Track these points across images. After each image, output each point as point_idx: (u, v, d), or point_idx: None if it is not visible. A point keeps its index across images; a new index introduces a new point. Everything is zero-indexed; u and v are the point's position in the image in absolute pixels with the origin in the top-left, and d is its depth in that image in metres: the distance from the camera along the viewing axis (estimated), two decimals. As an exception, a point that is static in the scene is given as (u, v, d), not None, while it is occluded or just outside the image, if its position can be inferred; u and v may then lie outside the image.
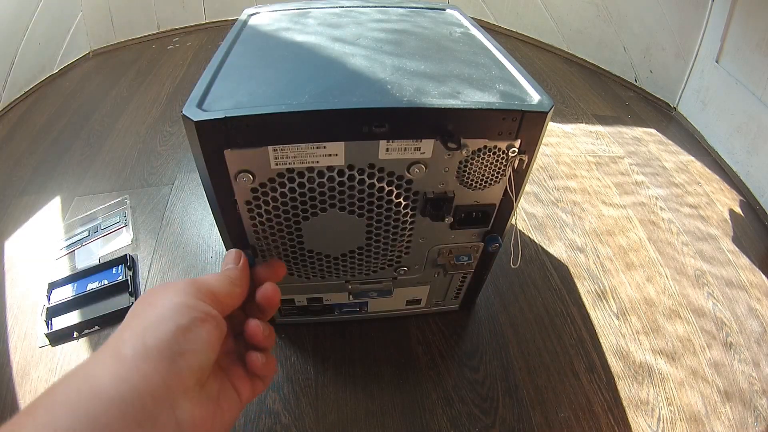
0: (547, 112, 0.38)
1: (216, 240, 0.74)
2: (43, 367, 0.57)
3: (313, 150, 0.37)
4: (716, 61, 1.02)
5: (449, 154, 0.39)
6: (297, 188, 0.39)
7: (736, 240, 0.80)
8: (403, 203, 0.42)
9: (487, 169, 0.41)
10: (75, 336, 0.60)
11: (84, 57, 1.38)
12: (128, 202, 0.82)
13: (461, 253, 0.50)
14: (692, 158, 1.01)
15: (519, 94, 0.39)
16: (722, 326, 0.65)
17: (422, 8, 0.58)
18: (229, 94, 0.37)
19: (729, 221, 0.84)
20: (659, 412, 0.54)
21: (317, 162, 0.38)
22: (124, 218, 0.78)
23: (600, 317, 0.65)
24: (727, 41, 0.99)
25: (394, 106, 0.36)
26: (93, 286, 0.65)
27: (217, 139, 0.35)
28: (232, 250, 0.33)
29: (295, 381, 0.56)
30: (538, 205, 0.85)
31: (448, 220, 0.45)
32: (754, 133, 0.91)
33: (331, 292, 0.55)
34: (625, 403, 0.55)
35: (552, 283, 0.70)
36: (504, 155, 0.40)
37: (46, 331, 0.60)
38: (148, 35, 1.49)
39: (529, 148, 0.40)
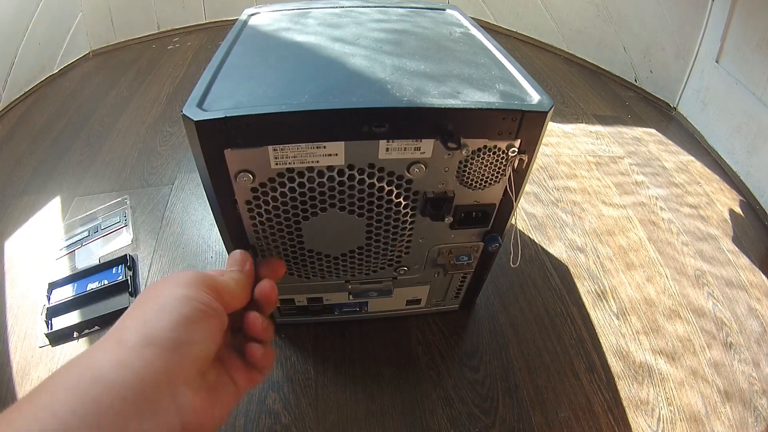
0: (547, 112, 0.38)
1: (216, 240, 0.74)
2: (43, 367, 0.57)
3: (313, 150, 0.37)
4: (716, 61, 1.02)
5: (449, 154, 0.39)
6: (297, 188, 0.39)
7: (736, 240, 0.80)
8: (403, 203, 0.42)
9: (487, 169, 0.41)
10: (75, 336, 0.60)
11: (84, 57, 1.38)
12: (128, 202, 0.82)
13: (461, 253, 0.50)
14: (692, 158, 1.01)
15: (519, 94, 0.39)
16: (722, 326, 0.65)
17: (422, 8, 0.58)
18: (229, 94, 0.37)
19: (729, 221, 0.84)
20: (659, 412, 0.54)
21: (317, 162, 0.38)
22: (124, 218, 0.78)
23: (600, 317, 0.65)
24: (727, 41, 0.99)
25: (394, 105, 0.36)
26: (93, 286, 0.65)
27: (217, 139, 0.35)
28: (239, 252, 0.33)
29: (295, 381, 0.56)
30: (538, 205, 0.85)
31: (448, 220, 0.45)
32: (754, 133, 0.91)
33: (331, 292, 0.55)
34: (625, 403, 0.55)
35: (552, 283, 0.70)
36: (504, 155, 0.40)
37: (46, 331, 0.60)
38: (148, 35, 1.49)
39: (529, 148, 0.40)
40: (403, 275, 0.53)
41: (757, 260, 0.76)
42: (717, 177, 0.96)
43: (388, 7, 0.58)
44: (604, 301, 0.67)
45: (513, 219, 0.47)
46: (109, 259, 0.70)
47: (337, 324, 0.62)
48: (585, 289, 0.69)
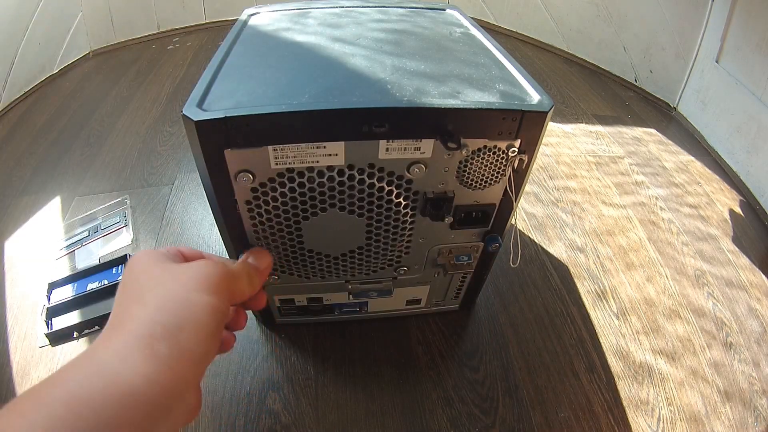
0: (547, 112, 0.38)
1: (216, 240, 0.74)
2: (43, 367, 0.57)
3: (313, 150, 0.37)
4: (716, 61, 1.02)
5: (449, 154, 0.39)
6: (297, 188, 0.39)
7: (736, 240, 0.80)
8: (403, 203, 0.42)
9: (487, 169, 0.41)
10: (75, 336, 0.60)
11: (84, 57, 1.38)
12: (128, 202, 0.82)
13: (461, 253, 0.50)
14: (692, 158, 1.01)
15: (519, 94, 0.39)
16: (722, 326, 0.65)
17: (422, 8, 0.58)
18: (229, 94, 0.37)
19: (729, 221, 0.84)
20: (659, 412, 0.54)
21: (317, 162, 0.38)
22: (124, 218, 0.78)
23: (600, 317, 0.65)
24: (727, 41, 0.99)
25: (394, 105, 0.36)
26: (93, 286, 0.65)
27: (217, 139, 0.35)
28: (259, 249, 0.36)
29: (295, 381, 0.56)
30: (538, 205, 0.85)
31: (448, 220, 0.45)
32: (754, 133, 0.91)
33: (331, 292, 0.55)
34: (625, 403, 0.55)
35: (552, 283, 0.70)
36: (504, 155, 0.40)
37: (46, 331, 0.60)
38: (148, 35, 1.49)
39: (529, 148, 0.40)
40: (403, 275, 0.53)
41: (757, 260, 0.76)
42: (717, 177, 0.96)
43: (388, 7, 0.58)
44: (604, 301, 0.67)
45: (513, 219, 0.47)
46: (109, 259, 0.70)
47: (337, 324, 0.62)
48: (585, 289, 0.69)
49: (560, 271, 0.72)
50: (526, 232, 0.79)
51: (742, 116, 0.95)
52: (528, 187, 0.85)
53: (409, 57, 0.44)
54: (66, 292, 0.65)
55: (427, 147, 0.38)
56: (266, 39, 0.49)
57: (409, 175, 0.40)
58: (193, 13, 1.54)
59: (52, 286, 0.66)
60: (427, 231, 0.47)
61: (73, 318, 0.62)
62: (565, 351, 0.60)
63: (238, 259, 0.38)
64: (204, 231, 0.76)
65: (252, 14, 0.55)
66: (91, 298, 0.64)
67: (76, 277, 0.67)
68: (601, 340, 0.62)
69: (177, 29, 1.54)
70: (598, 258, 0.74)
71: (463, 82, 0.40)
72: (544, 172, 0.94)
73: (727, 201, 0.89)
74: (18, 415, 0.17)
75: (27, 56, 1.16)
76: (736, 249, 0.78)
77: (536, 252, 0.75)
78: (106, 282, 0.66)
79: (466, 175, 0.41)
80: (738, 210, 0.87)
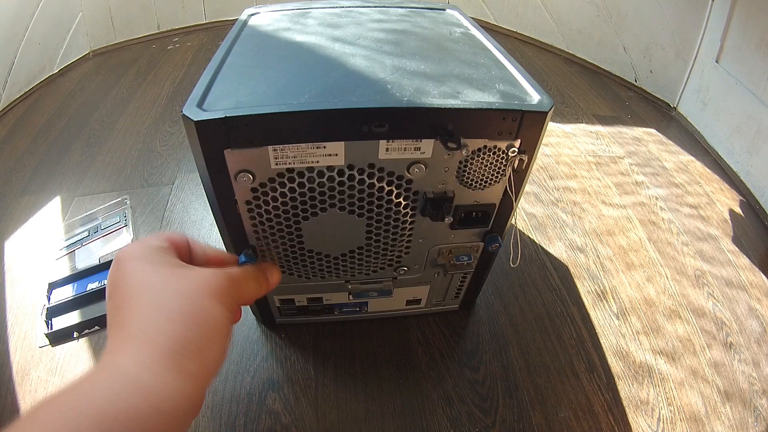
0: (547, 112, 0.38)
1: (216, 240, 0.74)
2: (43, 367, 0.57)
3: (313, 150, 0.37)
4: (716, 61, 1.02)
5: (449, 154, 0.39)
6: (297, 188, 0.39)
7: (736, 240, 0.80)
8: (403, 203, 0.42)
9: (487, 169, 0.41)
10: (75, 336, 0.60)
11: (84, 57, 1.38)
12: (128, 202, 0.82)
13: (461, 253, 0.50)
14: (692, 158, 1.01)
15: (519, 94, 0.39)
16: (722, 326, 0.65)
17: (422, 8, 0.58)
18: (229, 94, 0.37)
19: (729, 221, 0.84)
20: (659, 412, 0.54)
21: (317, 162, 0.38)
22: (124, 218, 0.78)
23: (600, 317, 0.65)
24: (727, 41, 0.99)
25: (394, 105, 0.36)
26: (93, 286, 0.65)
27: (217, 139, 0.35)
28: (276, 268, 0.35)
29: (295, 381, 0.56)
30: (538, 205, 0.85)
31: (448, 220, 0.45)
32: (754, 133, 0.91)
33: (331, 292, 0.55)
34: (625, 403, 0.55)
35: (552, 283, 0.70)
36: (504, 155, 0.40)
37: (46, 331, 0.60)
38: (148, 35, 1.49)
39: (529, 148, 0.40)
40: (403, 275, 0.53)
41: (757, 260, 0.76)
42: (717, 177, 0.96)
43: (388, 7, 0.58)
44: (604, 301, 0.68)
45: (513, 219, 0.47)
46: (109, 259, 0.70)
47: (337, 324, 0.62)
48: (585, 289, 0.69)
49: (560, 271, 0.72)
50: (526, 232, 0.79)
51: (742, 116, 0.95)
52: (528, 187, 0.85)
53: (409, 57, 0.44)
54: (66, 292, 0.65)
55: (427, 147, 0.38)
56: (266, 39, 0.49)
57: (409, 175, 0.40)
58: (193, 13, 1.54)
59: (52, 286, 0.66)
60: (427, 231, 0.47)
61: (73, 318, 0.62)
62: (565, 351, 0.60)
63: (239, 261, 0.38)
64: (204, 231, 0.76)
65: (252, 14, 0.55)
66: (91, 298, 0.64)
67: (76, 277, 0.67)
68: (601, 340, 0.62)
69: (177, 29, 1.54)
70: (598, 258, 0.74)
71: (463, 82, 0.40)
72: (544, 172, 0.94)
73: (727, 201, 0.89)
74: (41, 428, 0.17)
75: (27, 56, 1.16)
76: (736, 249, 0.78)
77: (536, 252, 0.75)
78: (106, 282, 0.66)
79: (466, 175, 0.41)
80: (738, 210, 0.87)
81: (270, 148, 0.36)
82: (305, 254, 0.46)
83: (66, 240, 0.75)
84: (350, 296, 0.56)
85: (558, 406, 0.54)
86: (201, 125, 0.34)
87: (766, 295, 0.70)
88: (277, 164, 0.37)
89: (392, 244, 0.47)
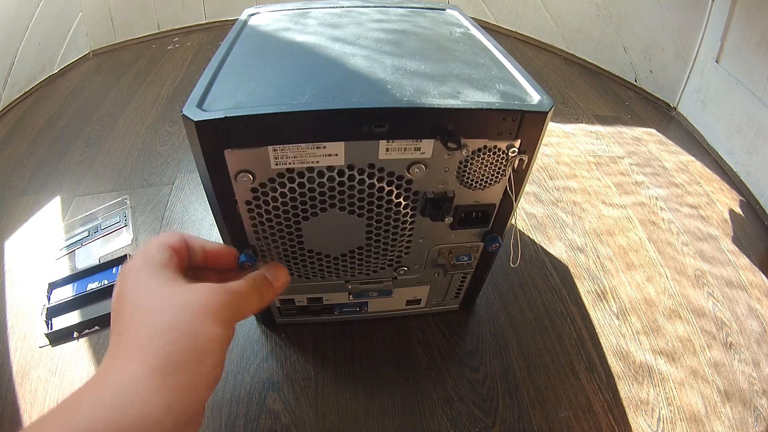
0: (547, 112, 0.38)
1: (216, 240, 0.74)
2: (43, 367, 0.57)
3: (313, 150, 0.37)
4: (716, 61, 1.02)
5: (449, 154, 0.39)
6: (297, 188, 0.39)
7: (736, 240, 0.80)
8: (403, 203, 0.42)
9: (487, 169, 0.41)
10: (75, 336, 0.60)
11: (84, 57, 1.38)
12: (128, 202, 0.82)
13: (461, 253, 0.50)
14: (692, 158, 1.01)
15: (519, 94, 0.39)
16: (722, 326, 0.65)
17: (422, 8, 0.58)
18: (229, 94, 0.37)
19: (729, 221, 0.84)
20: (659, 412, 0.54)
21: (317, 162, 0.38)
22: (124, 218, 0.78)
23: (600, 317, 0.65)
24: (727, 41, 0.99)
25: (394, 106, 0.36)
26: (93, 286, 0.65)
27: (217, 139, 0.35)
28: (284, 270, 0.34)
29: (295, 381, 0.56)
30: (538, 205, 0.85)
31: (448, 220, 0.45)
32: (754, 133, 0.91)
33: (331, 292, 0.55)
34: (625, 403, 0.55)
35: (552, 283, 0.70)
36: (504, 155, 0.40)
37: (46, 331, 0.60)
38: (148, 35, 1.49)
39: (529, 148, 0.40)
40: (403, 275, 0.53)
41: (757, 260, 0.76)
42: (717, 177, 0.96)
43: (388, 7, 0.58)
44: (604, 301, 0.68)
45: (513, 219, 0.47)
46: (109, 259, 0.70)
47: (337, 324, 0.62)
48: (585, 289, 0.69)
49: (560, 271, 0.72)
50: (526, 232, 0.79)
51: (742, 116, 0.95)
52: (528, 187, 0.85)
53: (409, 57, 0.44)
54: (66, 292, 0.65)
55: (427, 147, 0.38)
56: (266, 39, 0.49)
57: (409, 175, 0.40)
58: (193, 13, 1.54)
59: (52, 286, 0.66)
60: (427, 231, 0.47)
61: (73, 318, 0.62)
62: (565, 351, 0.60)
63: (239, 260, 0.37)
64: (204, 231, 0.76)
65: (252, 14, 0.55)
66: (91, 298, 0.64)
67: (76, 277, 0.67)
68: (601, 340, 0.62)
69: (177, 29, 1.54)
70: (598, 258, 0.74)
71: (463, 82, 0.40)
72: (544, 172, 0.94)
73: (727, 201, 0.89)
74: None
75: (27, 56, 1.16)
76: (736, 249, 0.78)
77: (536, 252, 0.75)
78: (106, 282, 0.66)
79: (466, 175, 0.41)
80: (738, 210, 0.87)
81: (270, 148, 0.36)
82: (305, 254, 0.46)
83: (66, 240, 0.75)
84: (350, 296, 0.56)
85: (558, 406, 0.54)
86: (201, 125, 0.34)
87: (766, 295, 0.70)
88: (277, 164, 0.37)
89: (392, 244, 0.47)
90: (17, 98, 1.14)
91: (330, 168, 0.38)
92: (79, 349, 0.59)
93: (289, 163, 0.37)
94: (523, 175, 0.42)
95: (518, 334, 0.62)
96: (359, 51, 0.45)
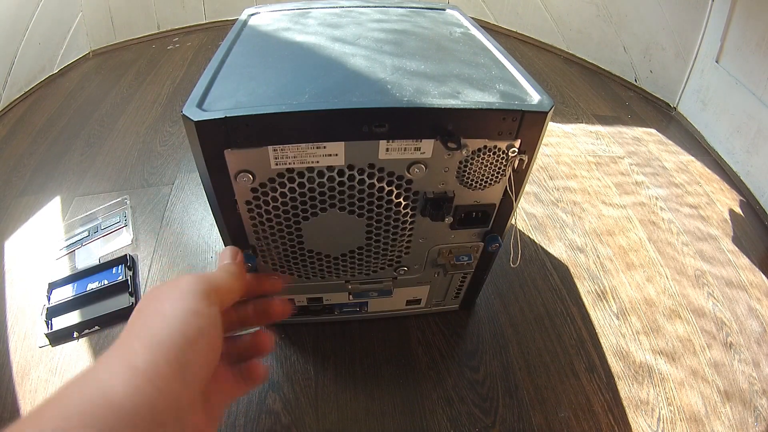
0: (547, 112, 0.38)
1: (216, 240, 0.74)
2: (43, 367, 0.57)
3: (313, 150, 0.37)
4: (716, 61, 1.02)
5: (449, 154, 0.39)
6: (297, 188, 0.39)
7: (736, 240, 0.80)
8: (403, 203, 0.42)
9: (487, 169, 0.41)
10: (75, 336, 0.60)
11: (84, 57, 1.38)
12: (128, 202, 0.82)
13: (461, 253, 0.50)
14: (692, 158, 1.01)
15: (519, 94, 0.39)
16: (722, 326, 0.65)
17: (422, 8, 0.58)
18: (229, 94, 0.37)
19: (729, 221, 0.84)
20: (659, 412, 0.54)
21: (317, 162, 0.38)
22: (124, 218, 0.78)
23: (600, 317, 0.65)
24: (727, 41, 0.99)
25: (394, 106, 0.36)
26: (93, 286, 0.65)
27: (217, 139, 0.35)
28: (229, 247, 0.33)
29: (295, 381, 0.56)
30: (538, 205, 0.85)
31: (448, 220, 0.45)
32: (754, 133, 0.91)
33: (331, 292, 0.55)
34: (625, 403, 0.55)
35: (552, 283, 0.70)
36: (504, 155, 0.40)
37: (46, 331, 0.60)
38: (148, 35, 1.49)
39: (529, 148, 0.40)
40: (403, 275, 0.53)
41: (757, 260, 0.76)
42: (717, 177, 0.96)
43: (388, 7, 0.58)
44: (604, 301, 0.68)
45: (513, 219, 0.47)
46: (109, 259, 0.70)
47: (337, 324, 0.62)
48: (585, 289, 0.69)
49: (560, 271, 0.72)
50: (526, 232, 0.79)
51: (742, 116, 0.95)
52: (528, 187, 0.85)
53: (409, 57, 0.44)
54: (66, 292, 0.65)
55: (427, 147, 0.38)
56: (266, 39, 0.49)
57: (409, 175, 0.40)
58: (193, 13, 1.54)
59: (52, 286, 0.66)
60: (427, 231, 0.47)
61: (73, 318, 0.62)
62: (565, 351, 0.60)
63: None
64: (204, 231, 0.76)
65: (252, 14, 0.55)
66: (91, 298, 0.64)
67: (76, 277, 0.67)
68: (601, 340, 0.62)
69: (177, 29, 1.54)
70: (598, 258, 0.74)
71: (463, 82, 0.40)
72: (544, 172, 0.94)
73: (727, 201, 0.89)
74: (24, 425, 0.18)
75: (27, 56, 1.16)
76: (736, 249, 0.78)
77: (536, 252, 0.75)
78: (106, 282, 0.66)
79: (466, 175, 0.41)
80: (738, 210, 0.87)
81: (270, 148, 0.36)
82: (305, 254, 0.46)
83: (66, 240, 0.75)
84: (350, 296, 0.56)
85: (558, 406, 0.54)
86: (201, 125, 0.34)
87: (766, 295, 0.70)
88: (277, 164, 0.37)
89: (392, 244, 0.47)
90: (17, 98, 1.14)
91: (330, 168, 0.38)
92: (79, 349, 0.59)
93: (289, 163, 0.37)
94: (523, 175, 0.42)
95: (518, 334, 0.62)
96: (359, 51, 0.45)
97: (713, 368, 0.59)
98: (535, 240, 0.77)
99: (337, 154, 0.37)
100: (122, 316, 0.62)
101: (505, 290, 0.68)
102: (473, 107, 0.36)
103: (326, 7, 0.57)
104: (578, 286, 0.70)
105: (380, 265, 0.50)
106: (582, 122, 1.12)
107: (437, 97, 0.37)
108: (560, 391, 0.56)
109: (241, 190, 0.39)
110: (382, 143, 0.37)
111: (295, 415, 0.52)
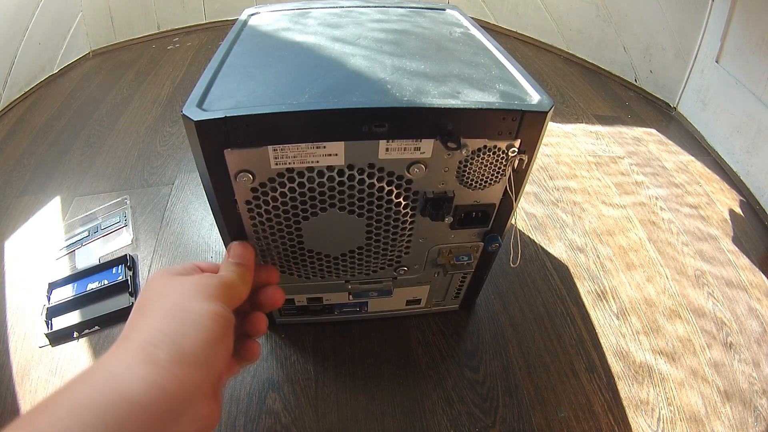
0: (547, 112, 0.38)
1: (216, 240, 0.74)
2: (43, 367, 0.57)
3: (313, 150, 0.37)
4: (716, 61, 1.02)
5: (449, 154, 0.39)
6: (297, 188, 0.39)
7: (736, 240, 0.80)
8: (403, 203, 0.42)
9: (487, 168, 0.41)
10: (75, 336, 0.60)
11: (84, 57, 1.38)
12: (128, 202, 0.82)
13: (461, 253, 0.50)
14: (692, 158, 1.01)
15: (519, 94, 0.39)
16: (722, 326, 0.65)
17: (422, 8, 0.58)
18: (229, 94, 0.37)
19: (729, 221, 0.84)
20: (659, 412, 0.54)
21: (317, 162, 0.38)
22: (124, 218, 0.78)
23: (600, 317, 0.65)
24: (727, 41, 0.99)
25: (394, 105, 0.36)
26: (93, 286, 0.65)
27: (217, 139, 0.35)
28: (239, 244, 0.34)
29: (295, 381, 0.56)
30: (538, 205, 0.85)
31: (448, 220, 0.45)
32: (754, 133, 0.91)
33: (331, 292, 0.55)
34: (625, 403, 0.55)
35: (552, 283, 0.70)
36: (504, 155, 0.40)
37: (46, 331, 0.60)
38: (148, 35, 1.49)
39: (529, 147, 0.40)
40: (403, 275, 0.53)
41: (757, 260, 0.76)
42: (717, 177, 0.96)
43: (388, 7, 0.58)
44: (604, 301, 0.67)
45: (513, 219, 0.47)
46: (109, 259, 0.70)
47: (337, 324, 0.62)
48: (585, 289, 0.69)
49: (560, 271, 0.72)
50: (526, 232, 0.79)
51: (742, 116, 0.95)
52: (528, 187, 0.85)
53: (409, 57, 0.44)
54: (66, 292, 0.65)
55: (427, 147, 0.38)
56: (266, 39, 0.49)
57: (409, 175, 0.40)
58: (193, 13, 1.54)
59: (52, 286, 0.66)
60: (427, 231, 0.47)
61: (73, 318, 0.62)
62: (565, 351, 0.60)
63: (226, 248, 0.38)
64: (204, 231, 0.76)
65: (252, 14, 0.55)
66: (91, 298, 0.64)
67: (76, 277, 0.67)
68: (601, 340, 0.62)
69: (177, 29, 1.54)
70: (598, 258, 0.74)
71: (463, 82, 0.40)
72: (544, 172, 0.94)
73: (727, 201, 0.89)
74: (29, 425, 0.18)
75: (27, 56, 1.16)
76: (736, 249, 0.78)
77: (536, 252, 0.75)
78: (106, 282, 0.66)
79: (466, 175, 0.41)
80: (738, 210, 0.87)
81: (270, 148, 0.36)
82: (305, 254, 0.46)
83: (66, 240, 0.75)
84: (350, 296, 0.56)
85: (558, 406, 0.54)
86: (201, 125, 0.34)
87: (766, 295, 0.70)
88: (277, 164, 0.37)
89: (392, 244, 0.47)
90: (17, 98, 1.14)
91: (330, 168, 0.38)
92: (79, 349, 0.59)
93: (289, 163, 0.37)
94: (523, 175, 0.42)
95: (518, 334, 0.62)
96: (359, 51, 0.45)
97: (713, 368, 0.59)
98: (535, 240, 0.77)
99: (337, 154, 0.37)
100: (122, 316, 0.62)
101: (505, 290, 0.68)
102: (473, 107, 0.36)
103: (326, 7, 0.57)
104: (578, 286, 0.70)
105: (380, 265, 0.50)
106: (582, 122, 1.12)
107: (437, 97, 0.37)
108: (560, 391, 0.56)
109: (241, 190, 0.39)
110: (382, 143, 0.37)
111: (295, 415, 0.52)
